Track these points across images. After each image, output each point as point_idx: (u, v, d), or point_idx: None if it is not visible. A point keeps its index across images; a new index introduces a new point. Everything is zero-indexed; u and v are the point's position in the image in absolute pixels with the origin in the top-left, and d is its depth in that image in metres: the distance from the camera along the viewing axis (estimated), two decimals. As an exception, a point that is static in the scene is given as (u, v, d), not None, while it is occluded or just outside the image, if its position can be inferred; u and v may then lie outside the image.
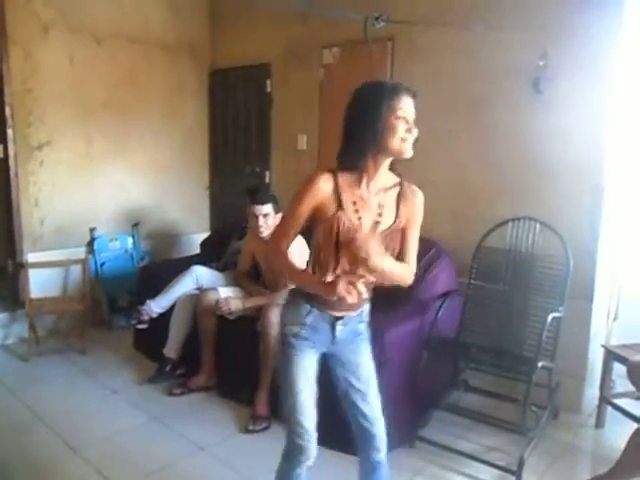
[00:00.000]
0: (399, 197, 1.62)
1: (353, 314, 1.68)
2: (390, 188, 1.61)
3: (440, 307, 2.74)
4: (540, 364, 2.45)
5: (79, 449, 2.54)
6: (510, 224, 2.90)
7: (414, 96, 1.57)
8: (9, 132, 3.69)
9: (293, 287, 1.72)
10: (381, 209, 1.58)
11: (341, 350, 1.70)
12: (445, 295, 2.84)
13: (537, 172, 2.98)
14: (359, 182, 1.57)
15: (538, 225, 2.82)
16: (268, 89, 4.41)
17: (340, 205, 1.54)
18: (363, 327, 1.74)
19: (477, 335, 2.87)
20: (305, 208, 1.55)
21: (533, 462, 2.47)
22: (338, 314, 1.64)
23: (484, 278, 2.92)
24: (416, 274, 2.90)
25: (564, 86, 2.84)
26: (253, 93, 4.54)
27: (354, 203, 1.55)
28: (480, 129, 3.20)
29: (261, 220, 3.01)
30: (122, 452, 2.55)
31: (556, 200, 2.92)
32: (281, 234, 1.63)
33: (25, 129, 3.78)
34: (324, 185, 1.54)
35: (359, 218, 1.55)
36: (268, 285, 3.12)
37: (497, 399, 2.84)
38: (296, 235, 1.63)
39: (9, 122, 3.68)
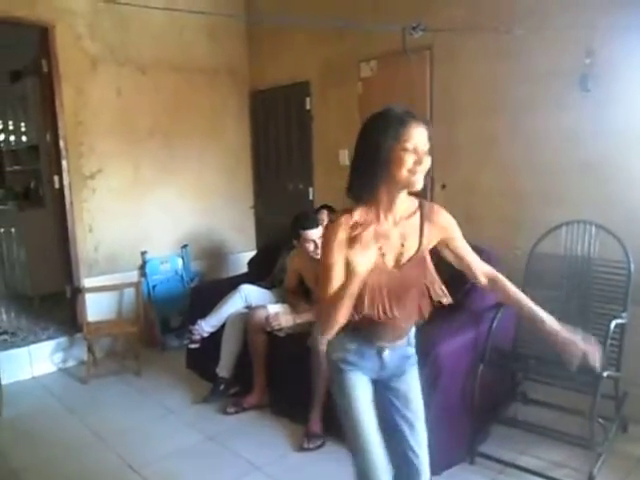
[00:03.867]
0: (422, 221, 1.55)
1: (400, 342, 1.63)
2: (410, 215, 1.55)
3: (494, 318, 2.65)
4: (605, 374, 2.33)
5: (139, 468, 2.59)
6: (564, 228, 2.79)
7: (425, 125, 1.48)
8: (63, 163, 3.86)
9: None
10: (403, 239, 1.52)
11: (390, 376, 1.65)
12: (499, 305, 2.75)
13: (589, 173, 2.87)
14: (377, 216, 1.51)
15: (594, 228, 2.70)
16: (308, 106, 4.46)
17: None
18: (411, 351, 1.69)
19: (534, 345, 2.75)
20: (337, 258, 1.46)
21: (603, 478, 2.33)
22: (384, 344, 1.60)
23: (539, 285, 2.80)
24: (467, 284, 2.85)
25: (613, 83, 2.74)
26: (293, 111, 4.60)
27: (376, 240, 1.46)
28: (526, 132, 3.11)
29: (314, 245, 3.03)
30: (180, 471, 2.57)
31: (611, 201, 2.80)
32: (325, 292, 1.48)
33: (78, 159, 3.95)
34: (344, 233, 1.47)
35: (382, 254, 1.49)
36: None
37: (558, 412, 2.71)
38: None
39: (63, 154, 3.86)
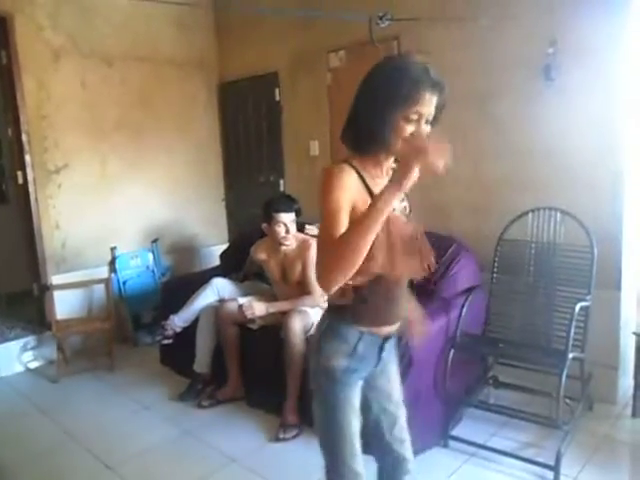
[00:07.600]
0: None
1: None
2: None
3: (464, 304, 2.71)
4: (571, 355, 2.41)
5: (115, 466, 2.56)
6: (530, 215, 2.86)
7: (440, 92, 1.29)
8: (27, 158, 3.76)
9: (333, 311, 1.44)
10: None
11: (376, 373, 1.51)
12: (469, 291, 2.81)
13: (554, 161, 2.94)
14: (376, 167, 1.36)
15: (559, 214, 2.78)
16: (277, 98, 4.43)
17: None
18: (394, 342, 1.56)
19: (504, 329, 2.83)
20: (345, 203, 1.26)
21: (571, 456, 2.42)
22: (387, 333, 1.46)
23: (507, 271, 2.88)
24: (438, 272, 2.89)
25: (576, 72, 2.80)
26: (263, 103, 4.58)
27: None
28: (493, 122, 3.16)
29: (285, 229, 3.00)
30: (157, 467, 2.56)
31: (575, 188, 2.87)
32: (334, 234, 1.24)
33: (42, 154, 3.84)
34: (349, 179, 1.29)
35: (393, 209, 1.27)
36: (279, 297, 3.13)
37: (528, 393, 2.78)
38: None
39: (26, 148, 3.76)
